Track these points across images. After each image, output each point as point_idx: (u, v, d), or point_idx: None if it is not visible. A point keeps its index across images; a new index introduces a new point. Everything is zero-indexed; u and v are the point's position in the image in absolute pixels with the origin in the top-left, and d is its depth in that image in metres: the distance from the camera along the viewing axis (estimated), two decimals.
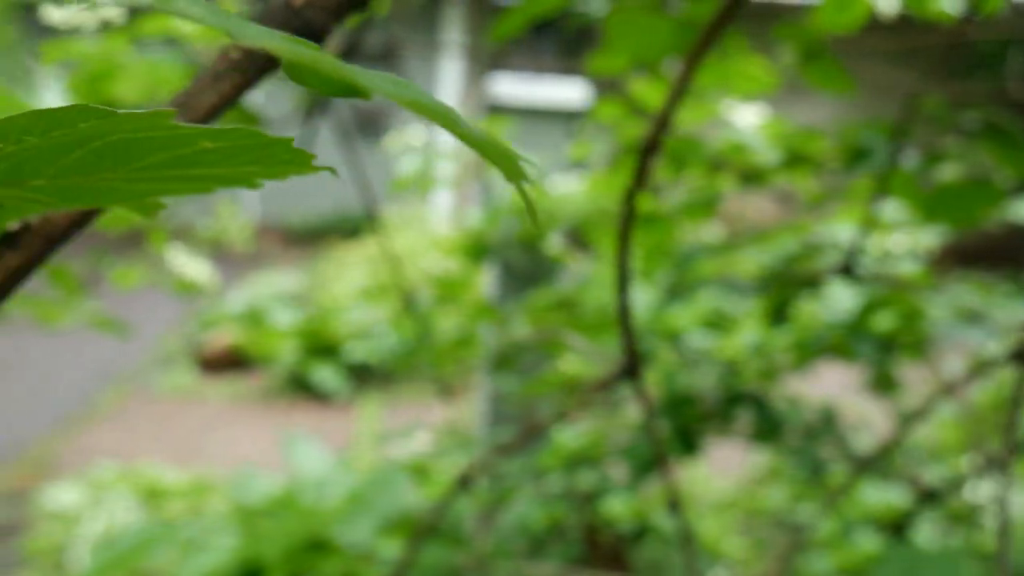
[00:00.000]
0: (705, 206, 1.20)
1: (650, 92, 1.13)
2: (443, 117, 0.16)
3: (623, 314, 0.62)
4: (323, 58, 0.14)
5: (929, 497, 1.59)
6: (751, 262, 1.32)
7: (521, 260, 1.83)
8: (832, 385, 1.92)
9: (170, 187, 0.20)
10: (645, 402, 0.64)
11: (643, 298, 1.36)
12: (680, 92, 0.60)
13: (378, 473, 0.82)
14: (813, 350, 1.20)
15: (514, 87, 1.82)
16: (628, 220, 0.62)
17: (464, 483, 0.76)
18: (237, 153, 0.18)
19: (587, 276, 1.40)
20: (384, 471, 0.83)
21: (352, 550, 0.81)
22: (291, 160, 0.19)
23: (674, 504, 0.67)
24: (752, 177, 1.12)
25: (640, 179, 0.61)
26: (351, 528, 0.79)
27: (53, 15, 0.93)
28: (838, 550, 1.87)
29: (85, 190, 0.19)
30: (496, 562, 0.97)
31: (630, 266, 0.62)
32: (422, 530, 0.79)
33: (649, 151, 0.59)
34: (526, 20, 0.73)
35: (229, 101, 0.26)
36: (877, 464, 1.51)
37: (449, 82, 5.76)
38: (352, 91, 0.19)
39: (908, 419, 0.83)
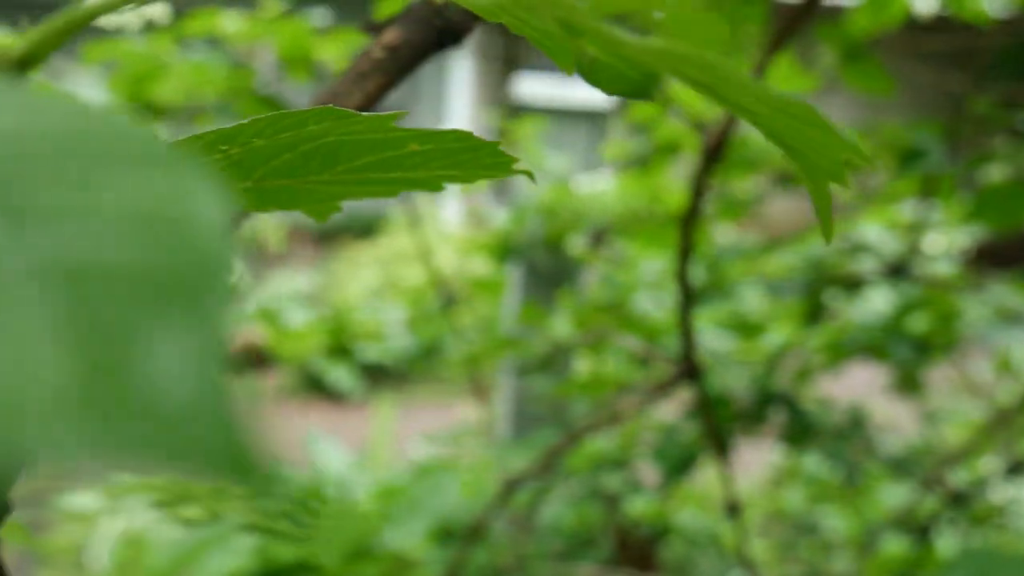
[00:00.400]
0: (739, 207, 1.20)
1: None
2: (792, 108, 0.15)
3: (684, 317, 0.62)
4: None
5: (957, 499, 1.59)
6: (778, 264, 1.32)
7: (545, 260, 1.82)
8: (857, 385, 1.92)
9: (361, 190, 0.19)
10: (706, 405, 0.64)
11: (672, 298, 1.36)
12: None
13: (427, 474, 0.82)
14: (847, 351, 1.20)
15: (537, 86, 1.81)
16: (690, 224, 0.61)
17: (512, 487, 0.76)
18: (440, 156, 0.18)
19: (611, 277, 1.40)
20: (433, 472, 0.83)
21: (399, 551, 0.81)
22: (493, 164, 0.18)
23: (733, 507, 0.66)
24: (790, 178, 1.12)
25: (703, 182, 0.61)
26: (401, 530, 0.79)
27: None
28: (860, 551, 1.87)
29: (282, 193, 0.19)
30: (535, 563, 0.96)
31: (691, 270, 0.61)
32: (471, 533, 0.79)
33: (714, 153, 0.59)
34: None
35: (373, 101, 0.26)
36: (909, 466, 1.50)
37: (459, 80, 5.76)
38: (646, 93, 0.18)
39: (987, 430, 0.83)
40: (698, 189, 0.60)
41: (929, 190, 0.86)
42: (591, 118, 1.76)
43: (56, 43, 0.14)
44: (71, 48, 0.99)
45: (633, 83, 0.18)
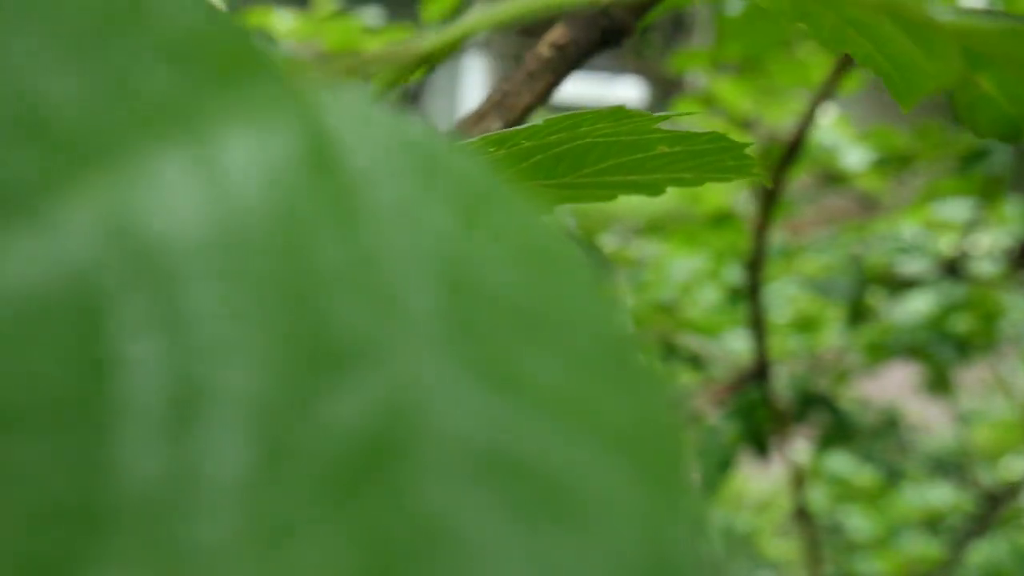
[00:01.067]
0: (783, 206, 1.19)
1: (732, 91, 1.12)
2: None
3: (755, 317, 0.61)
4: None
5: (990, 500, 1.58)
6: (816, 263, 1.31)
7: None
8: (889, 386, 1.91)
9: (589, 194, 0.19)
10: (777, 407, 0.63)
11: (709, 297, 1.35)
12: (824, 96, 0.59)
13: None
14: (889, 351, 1.19)
15: (566, 86, 1.81)
16: (764, 224, 0.61)
17: None
18: (685, 158, 0.18)
19: (665, 276, 1.40)
20: None
21: None
22: (735, 167, 0.18)
23: (802, 512, 0.66)
24: (835, 178, 1.11)
25: (779, 183, 0.60)
26: None
27: None
28: (885, 552, 1.86)
29: None
30: None
31: (762, 271, 0.61)
32: None
33: (791, 154, 0.59)
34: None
35: (541, 100, 0.26)
36: (945, 467, 1.50)
37: (472, 80, 5.75)
38: (1019, 136, 0.18)
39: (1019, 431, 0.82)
40: (772, 190, 0.60)
41: (988, 191, 0.85)
42: None
43: (460, 43, 0.13)
44: None
45: (1012, 124, 0.17)
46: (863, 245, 1.23)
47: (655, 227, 1.49)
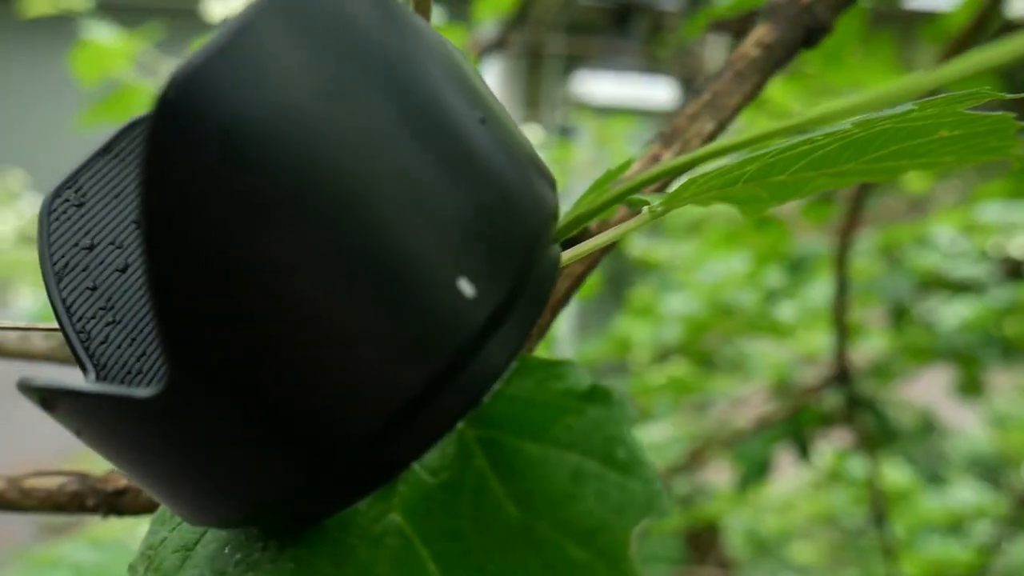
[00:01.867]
0: (825, 207, 1.20)
1: (781, 92, 1.12)
2: None
3: (838, 320, 0.61)
4: None
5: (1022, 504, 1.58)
6: (858, 266, 1.31)
7: (607, 264, 1.82)
8: (919, 388, 1.91)
9: (851, 180, 0.19)
10: (858, 408, 0.63)
11: (747, 298, 1.35)
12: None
13: None
14: (936, 354, 1.19)
15: (595, 85, 1.81)
16: (851, 226, 0.61)
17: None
18: (958, 142, 0.18)
19: (668, 279, 1.40)
20: None
21: None
22: (996, 148, 0.18)
23: (880, 516, 0.66)
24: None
25: (866, 186, 0.60)
26: None
27: (214, 12, 0.93)
28: (912, 555, 1.85)
29: (791, 185, 0.19)
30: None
31: (847, 273, 0.61)
32: None
33: None
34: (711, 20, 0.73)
35: (750, 100, 0.26)
36: (982, 470, 1.50)
37: (489, 79, 5.74)
38: None
39: None
40: (859, 192, 0.60)
41: None
42: (654, 117, 1.76)
43: None
44: (178, 47, 0.98)
45: None
46: (911, 247, 1.23)
47: (693, 227, 1.49)
